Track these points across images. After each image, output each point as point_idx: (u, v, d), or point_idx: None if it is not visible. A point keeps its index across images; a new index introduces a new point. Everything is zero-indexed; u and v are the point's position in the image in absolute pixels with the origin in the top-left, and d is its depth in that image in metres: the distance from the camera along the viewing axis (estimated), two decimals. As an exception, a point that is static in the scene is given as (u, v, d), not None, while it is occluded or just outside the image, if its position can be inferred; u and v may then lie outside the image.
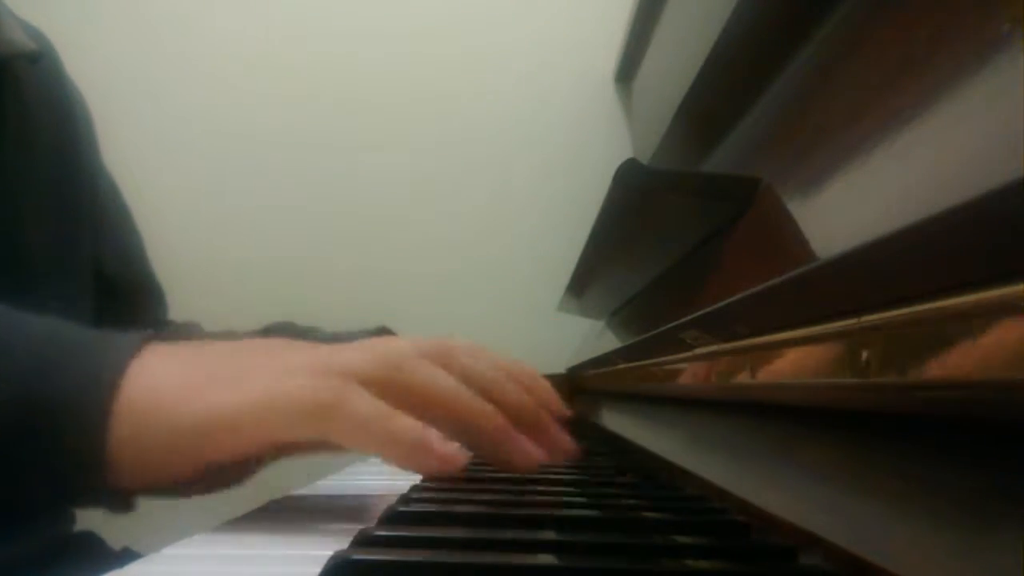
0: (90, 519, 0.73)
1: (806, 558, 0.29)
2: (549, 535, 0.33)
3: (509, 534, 0.33)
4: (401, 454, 0.37)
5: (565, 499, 0.44)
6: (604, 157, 1.04)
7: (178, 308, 0.89)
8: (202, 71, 1.36)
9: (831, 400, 0.30)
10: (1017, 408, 0.19)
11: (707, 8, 0.65)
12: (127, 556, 0.67)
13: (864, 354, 0.24)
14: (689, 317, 0.44)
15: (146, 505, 0.56)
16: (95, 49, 1.30)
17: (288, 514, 0.43)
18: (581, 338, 1.18)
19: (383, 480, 0.56)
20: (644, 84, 1.15)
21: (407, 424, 0.37)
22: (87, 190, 0.74)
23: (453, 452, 0.37)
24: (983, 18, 0.25)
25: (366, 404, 0.36)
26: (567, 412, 0.56)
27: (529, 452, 0.40)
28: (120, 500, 0.39)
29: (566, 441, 0.44)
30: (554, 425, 0.44)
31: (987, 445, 0.21)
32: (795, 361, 0.31)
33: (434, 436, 0.37)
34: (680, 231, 0.52)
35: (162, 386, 0.37)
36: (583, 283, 0.83)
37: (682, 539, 0.33)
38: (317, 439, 0.37)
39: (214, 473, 0.38)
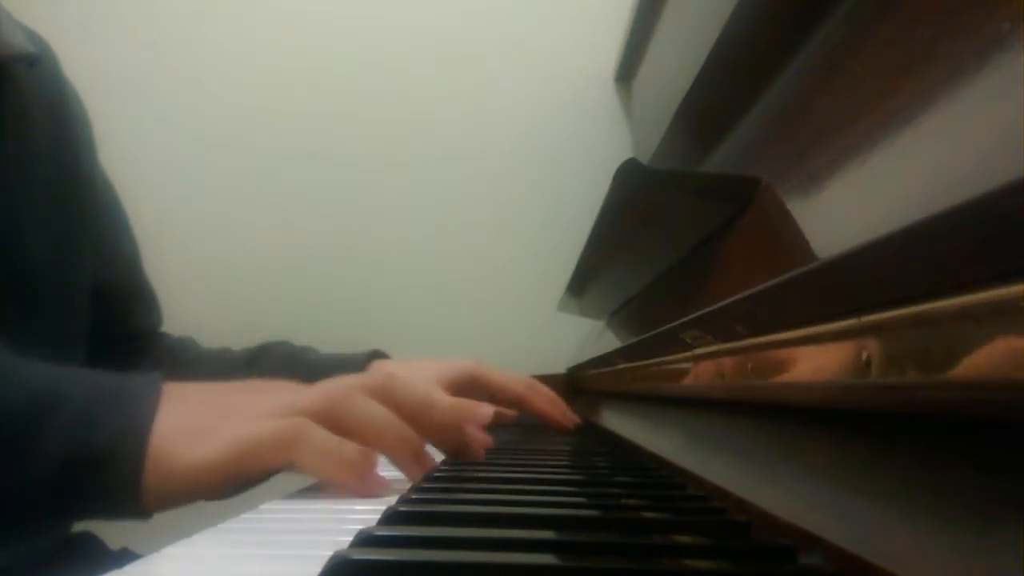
0: (88, 520, 0.72)
1: (806, 558, 0.29)
2: (549, 535, 0.33)
3: (509, 534, 0.33)
4: (343, 476, 0.47)
5: (565, 499, 0.44)
6: (604, 157, 1.04)
7: (172, 318, 0.89)
8: (203, 77, 1.35)
9: (831, 400, 0.30)
10: (1017, 408, 0.19)
11: (707, 8, 0.65)
12: (125, 556, 0.67)
13: (864, 354, 0.24)
14: (689, 317, 0.44)
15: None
16: (94, 52, 1.30)
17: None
18: (581, 338, 1.17)
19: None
20: (644, 84, 1.14)
21: (351, 450, 0.47)
22: (85, 193, 0.74)
23: (379, 478, 0.48)
24: (983, 18, 0.25)
25: (320, 437, 0.46)
26: (576, 420, 0.63)
27: (420, 473, 0.52)
28: (141, 514, 0.47)
29: (483, 442, 0.57)
30: (472, 438, 0.57)
31: (987, 445, 0.21)
32: (795, 361, 0.31)
33: (370, 461, 0.48)
34: (680, 231, 0.52)
35: (175, 434, 0.47)
36: (583, 283, 0.83)
37: (682, 539, 0.33)
38: (288, 465, 0.47)
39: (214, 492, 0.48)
